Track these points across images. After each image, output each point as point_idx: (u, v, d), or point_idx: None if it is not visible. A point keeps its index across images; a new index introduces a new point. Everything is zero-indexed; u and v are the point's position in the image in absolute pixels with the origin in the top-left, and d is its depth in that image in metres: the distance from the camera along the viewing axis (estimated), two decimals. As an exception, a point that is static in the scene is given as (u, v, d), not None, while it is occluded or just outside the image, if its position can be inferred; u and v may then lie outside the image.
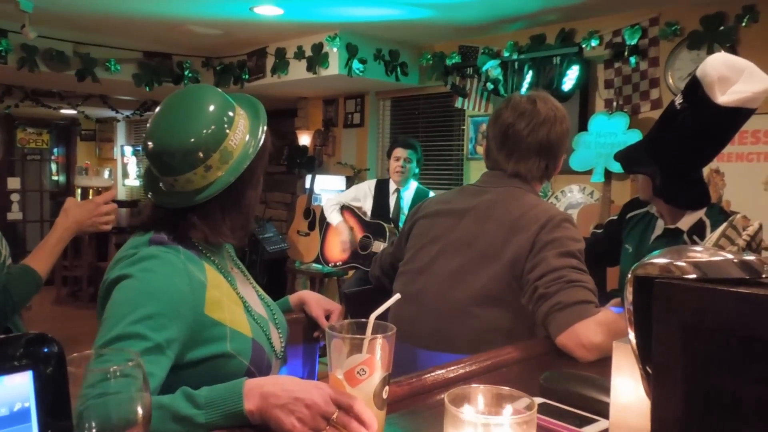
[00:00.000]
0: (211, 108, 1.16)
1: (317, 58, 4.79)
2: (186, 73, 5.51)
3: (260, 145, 1.20)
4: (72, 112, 7.69)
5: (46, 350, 0.42)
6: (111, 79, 5.11)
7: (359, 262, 4.45)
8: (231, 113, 1.17)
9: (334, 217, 4.55)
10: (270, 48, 5.18)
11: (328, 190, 5.75)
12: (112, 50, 5.08)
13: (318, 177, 5.71)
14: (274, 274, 5.91)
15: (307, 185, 5.73)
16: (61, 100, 6.79)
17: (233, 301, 1.19)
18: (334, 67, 4.71)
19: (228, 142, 1.15)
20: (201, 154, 1.13)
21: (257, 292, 1.34)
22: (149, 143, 1.16)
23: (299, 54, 4.94)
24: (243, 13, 4.23)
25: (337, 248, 4.63)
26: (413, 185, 4.38)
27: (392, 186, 4.38)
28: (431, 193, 4.30)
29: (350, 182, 5.61)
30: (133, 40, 5.17)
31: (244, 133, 1.19)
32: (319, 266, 5.15)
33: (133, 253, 1.12)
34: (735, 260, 0.64)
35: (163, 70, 5.38)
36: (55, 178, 9.42)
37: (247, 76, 5.40)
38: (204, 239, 1.22)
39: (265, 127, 1.22)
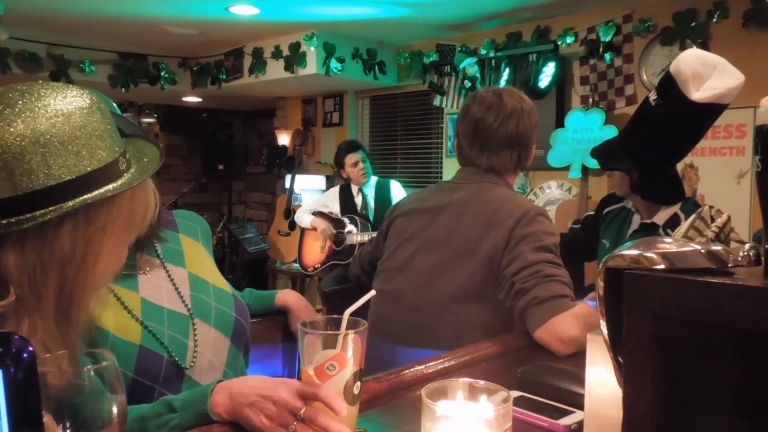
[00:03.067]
0: None
1: (295, 58, 4.78)
2: (162, 73, 5.46)
3: None
4: (46, 114, 7.58)
5: (15, 349, 0.42)
6: (86, 80, 5.04)
7: (337, 258, 4.50)
8: None
9: (306, 219, 4.61)
10: (247, 48, 5.16)
11: (308, 189, 5.74)
12: (87, 51, 5.02)
13: (298, 177, 5.69)
14: (255, 275, 5.88)
15: (287, 185, 5.71)
16: (34, 102, 6.69)
17: (118, 308, 1.13)
18: (311, 67, 4.70)
19: None
20: None
21: (182, 290, 1.23)
22: None
23: (276, 53, 4.92)
24: (218, 12, 4.20)
25: (317, 247, 4.67)
26: (373, 180, 4.50)
27: (355, 188, 4.48)
28: (392, 182, 4.50)
29: (330, 181, 5.61)
30: (108, 41, 5.11)
31: None
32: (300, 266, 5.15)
33: None
34: (702, 251, 0.65)
35: (138, 71, 5.32)
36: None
37: (224, 77, 5.37)
38: None
39: None
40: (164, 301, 1.19)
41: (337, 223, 4.51)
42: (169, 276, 1.24)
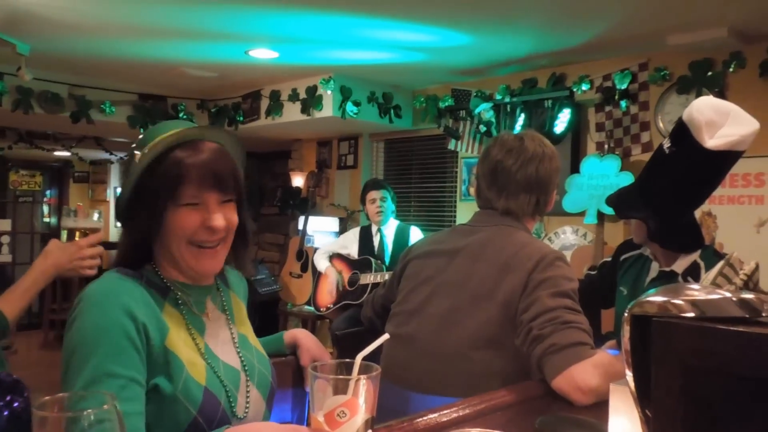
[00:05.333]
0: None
1: (311, 101, 4.84)
2: (181, 115, 5.54)
3: (142, 165, 1.13)
4: (66, 153, 7.70)
5: (10, 397, 0.40)
6: (106, 120, 5.13)
7: (349, 298, 4.46)
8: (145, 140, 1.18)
9: (322, 264, 4.67)
10: (264, 90, 5.23)
11: (321, 231, 5.74)
12: (107, 92, 5.12)
13: (311, 218, 5.70)
14: (266, 316, 5.83)
15: (300, 227, 5.71)
16: (55, 141, 6.81)
17: (190, 345, 1.14)
18: (328, 109, 4.75)
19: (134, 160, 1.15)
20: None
21: (238, 342, 1.25)
22: None
23: (293, 96, 4.98)
24: (238, 56, 4.28)
25: (327, 292, 4.66)
26: (393, 223, 4.51)
27: (374, 227, 4.52)
28: (412, 228, 4.50)
29: (343, 224, 5.60)
30: (129, 83, 5.22)
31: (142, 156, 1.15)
32: (312, 308, 5.10)
33: (86, 287, 1.08)
34: (734, 299, 0.63)
35: (157, 112, 5.40)
36: (46, 220, 9.37)
37: (241, 118, 5.44)
38: (168, 275, 1.18)
39: (145, 150, 1.15)
40: (220, 351, 1.19)
41: (354, 265, 4.51)
42: (230, 328, 1.25)
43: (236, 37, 3.88)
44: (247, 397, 1.18)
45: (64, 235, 1.70)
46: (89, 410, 0.56)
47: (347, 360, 0.81)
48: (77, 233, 1.68)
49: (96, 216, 1.73)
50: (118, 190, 9.18)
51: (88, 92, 5.01)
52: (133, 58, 4.42)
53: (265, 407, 1.23)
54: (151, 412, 1.03)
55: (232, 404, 1.14)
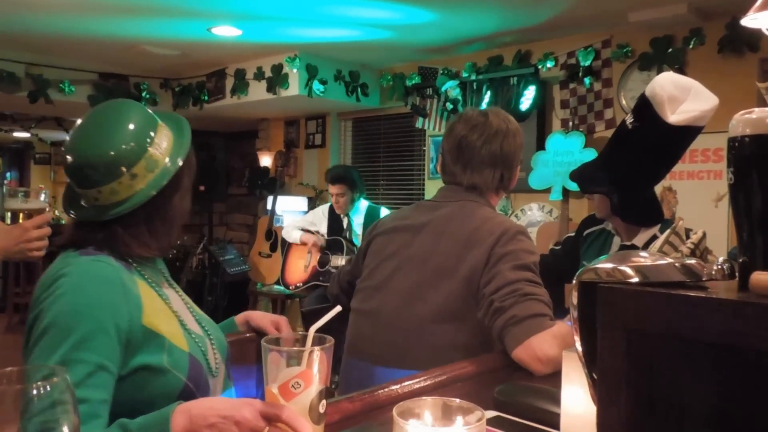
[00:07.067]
0: (134, 120, 1.17)
1: (277, 79, 4.78)
2: (144, 94, 5.43)
3: (185, 156, 1.20)
4: (25, 135, 7.51)
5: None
6: (65, 100, 5.00)
7: (319, 279, 4.48)
8: (153, 126, 1.19)
9: (295, 234, 4.59)
10: (229, 69, 5.15)
11: (290, 211, 5.71)
12: (66, 71, 4.98)
13: (279, 198, 5.66)
14: (236, 297, 5.81)
15: (269, 207, 5.68)
16: (13, 122, 6.63)
17: (167, 315, 1.17)
18: (294, 88, 4.70)
19: (153, 150, 1.16)
20: (124, 164, 1.13)
21: (191, 309, 1.29)
22: (69, 156, 1.15)
23: (259, 75, 4.92)
24: (201, 33, 4.20)
25: (301, 265, 4.65)
26: (363, 205, 4.46)
27: None
28: (383, 210, 4.43)
29: (312, 203, 5.59)
30: (88, 61, 5.08)
31: (168, 145, 1.20)
32: (281, 288, 5.09)
33: (60, 269, 1.08)
34: (677, 264, 0.64)
35: (119, 92, 5.28)
36: (7, 202, 9.16)
37: (206, 98, 5.35)
38: (130, 252, 1.18)
39: (190, 140, 1.24)
40: (186, 319, 1.22)
41: (324, 245, 4.49)
42: (179, 295, 1.28)
43: (198, 14, 3.80)
44: (216, 358, 1.22)
45: (8, 217, 1.63)
46: (38, 383, 0.56)
47: (301, 333, 0.81)
48: (21, 215, 1.62)
49: (42, 197, 1.67)
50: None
51: (45, 71, 4.87)
52: (91, 35, 4.30)
53: (224, 368, 1.26)
54: (144, 390, 1.05)
55: (210, 366, 1.18)
